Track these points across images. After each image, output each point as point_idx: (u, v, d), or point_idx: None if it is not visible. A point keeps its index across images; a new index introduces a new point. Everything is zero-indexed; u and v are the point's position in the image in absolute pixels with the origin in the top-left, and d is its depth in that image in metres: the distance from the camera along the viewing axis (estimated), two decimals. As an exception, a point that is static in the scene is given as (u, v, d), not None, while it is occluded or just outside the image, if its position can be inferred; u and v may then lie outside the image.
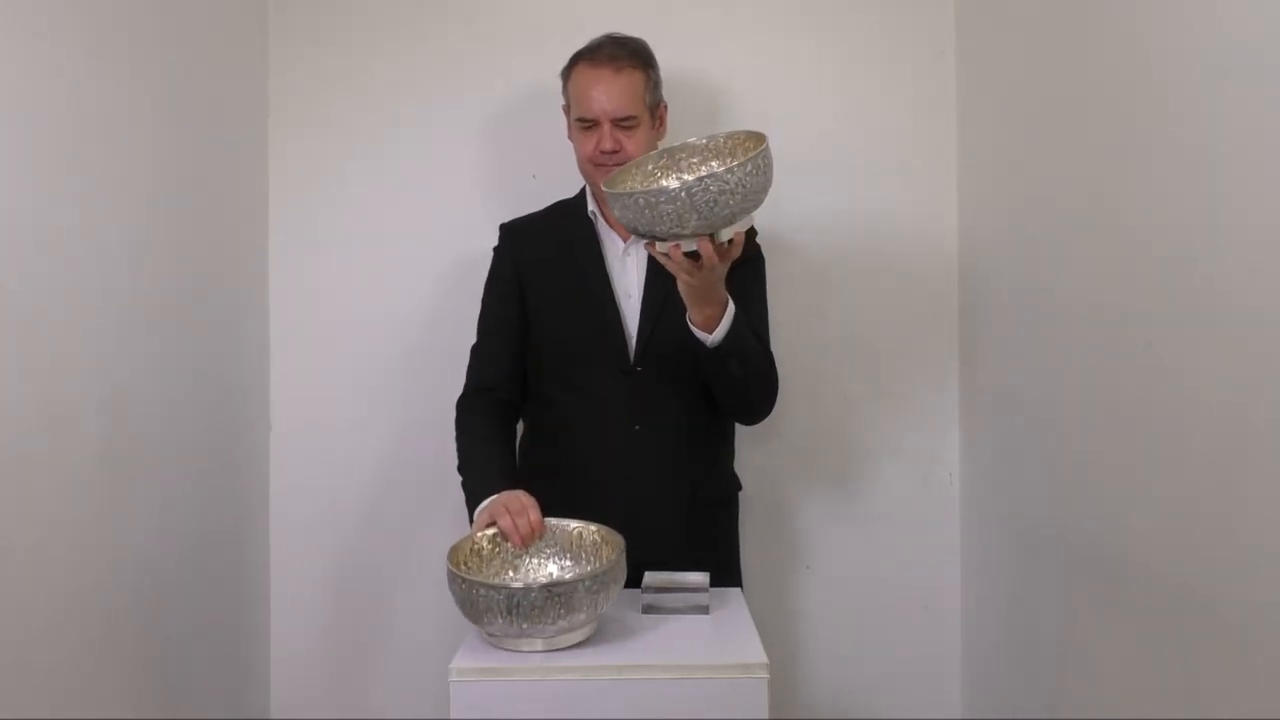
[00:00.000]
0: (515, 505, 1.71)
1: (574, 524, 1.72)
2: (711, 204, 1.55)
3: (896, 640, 2.41)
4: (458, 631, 1.64)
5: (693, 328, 1.76)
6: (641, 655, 1.53)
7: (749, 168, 1.56)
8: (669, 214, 1.56)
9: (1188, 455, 1.46)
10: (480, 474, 1.85)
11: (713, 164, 1.54)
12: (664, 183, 1.55)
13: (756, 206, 1.62)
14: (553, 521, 1.72)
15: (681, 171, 1.79)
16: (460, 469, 1.90)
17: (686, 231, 1.58)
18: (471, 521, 1.78)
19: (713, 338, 1.75)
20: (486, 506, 1.75)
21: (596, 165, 1.91)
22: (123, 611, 1.80)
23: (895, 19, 2.39)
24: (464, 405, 1.98)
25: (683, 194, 1.54)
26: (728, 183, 1.55)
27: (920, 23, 2.39)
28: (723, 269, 1.66)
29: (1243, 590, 1.35)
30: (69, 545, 1.64)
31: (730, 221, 1.59)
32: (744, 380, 1.84)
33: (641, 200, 1.57)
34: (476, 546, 1.66)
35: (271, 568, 2.39)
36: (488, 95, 2.38)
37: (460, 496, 2.33)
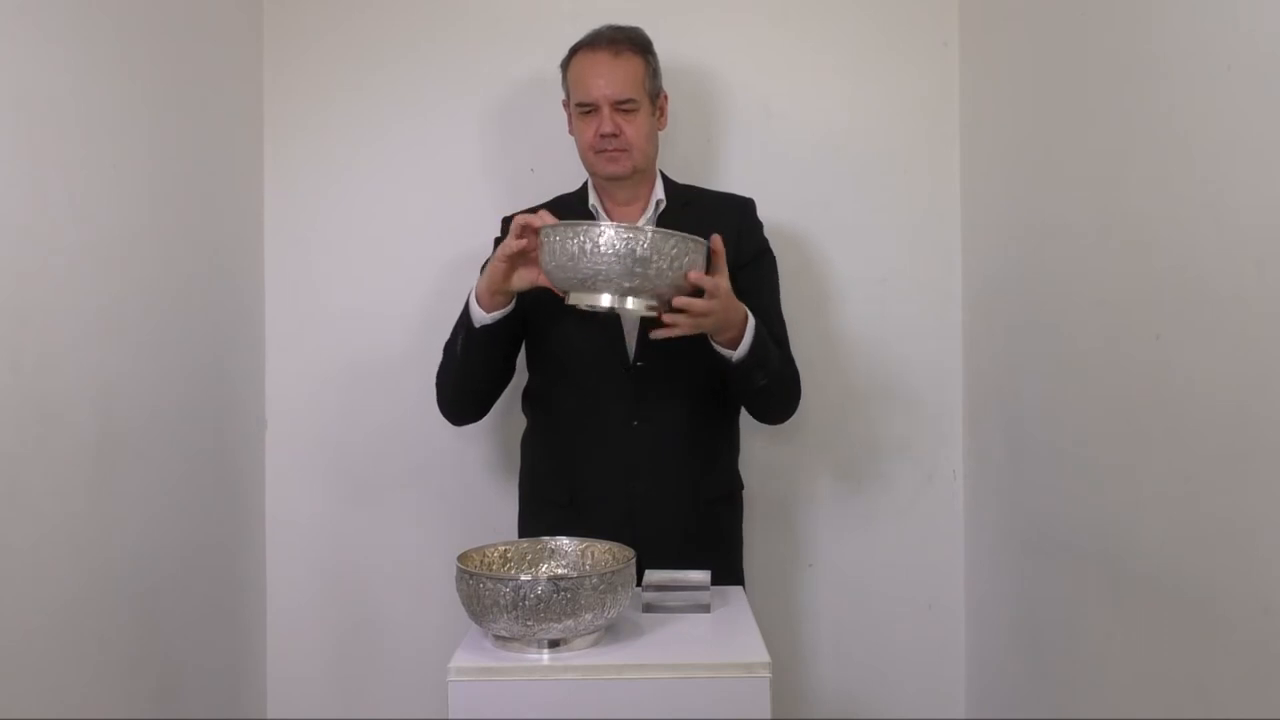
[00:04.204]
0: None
1: (582, 541, 1.69)
2: (632, 260, 1.55)
3: (900, 639, 2.39)
4: (457, 631, 1.62)
5: (715, 344, 1.75)
6: (642, 654, 1.51)
7: (686, 244, 1.58)
8: (594, 252, 1.56)
9: (1194, 452, 1.45)
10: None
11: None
12: (601, 223, 1.58)
13: (672, 290, 1.60)
14: (563, 541, 1.70)
15: None
16: (446, 349, 1.89)
17: (600, 279, 1.58)
18: (467, 325, 1.80)
19: (737, 353, 1.74)
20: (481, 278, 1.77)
21: (598, 152, 1.90)
22: (117, 610, 1.78)
23: (898, 10, 2.37)
24: None
25: (621, 236, 1.55)
26: (657, 247, 1.56)
27: (923, 14, 2.37)
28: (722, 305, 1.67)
29: (1249, 588, 1.33)
30: (62, 543, 1.63)
31: (639, 290, 1.59)
32: (769, 389, 1.84)
33: (561, 235, 1.58)
34: (487, 559, 1.64)
35: (267, 565, 2.38)
36: (485, 89, 2.36)
37: (459, 497, 2.35)
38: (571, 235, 1.58)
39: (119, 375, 1.79)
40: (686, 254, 1.59)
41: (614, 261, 1.56)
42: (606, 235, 1.56)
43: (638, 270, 1.56)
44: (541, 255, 1.65)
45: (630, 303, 1.61)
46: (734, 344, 1.74)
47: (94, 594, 1.71)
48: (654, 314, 1.65)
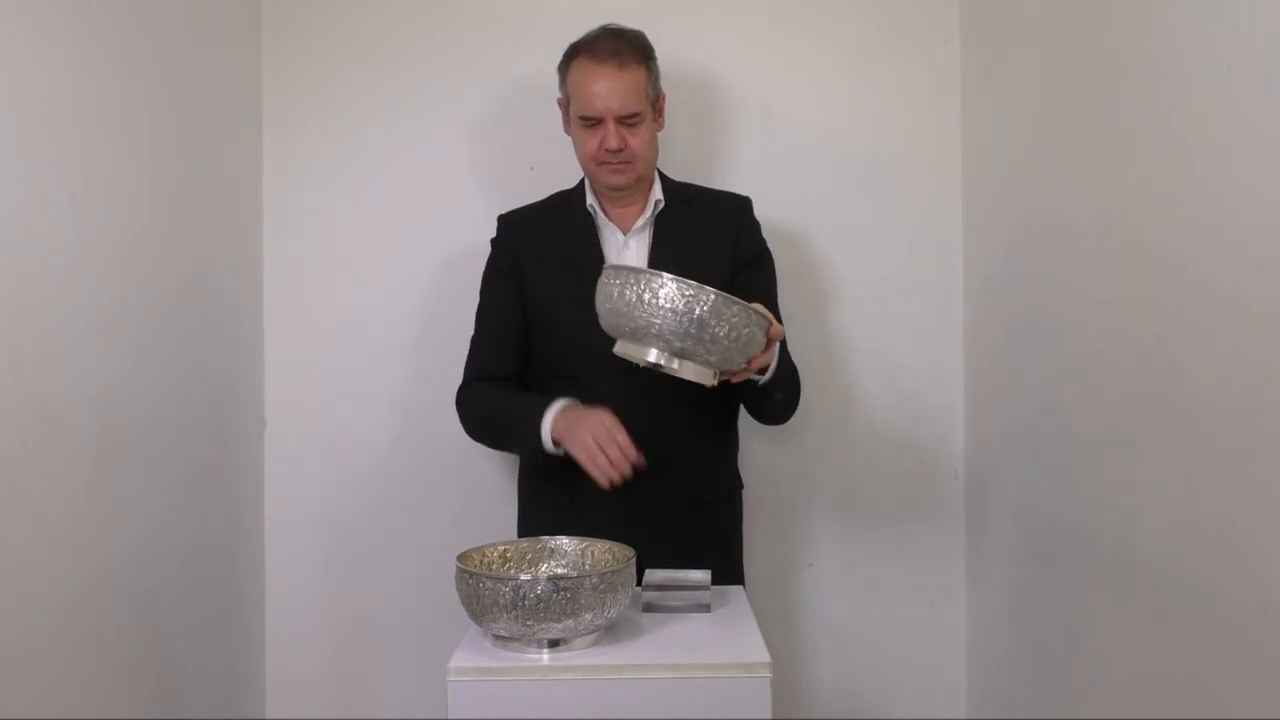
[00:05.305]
0: (602, 433, 1.69)
1: (582, 541, 1.69)
2: (700, 322, 1.50)
3: (901, 639, 2.39)
4: (457, 631, 1.62)
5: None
6: (642, 654, 1.50)
7: (750, 317, 1.54)
8: (654, 304, 1.51)
9: (1194, 452, 1.44)
10: (528, 400, 1.82)
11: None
12: (664, 276, 1.52)
13: (725, 363, 1.58)
14: (563, 541, 1.70)
15: None
16: (494, 419, 1.89)
17: (652, 333, 1.53)
18: (528, 440, 1.78)
19: (765, 378, 1.75)
20: (562, 420, 1.74)
21: (600, 164, 1.88)
22: (117, 610, 1.78)
23: (898, 9, 2.37)
24: (468, 389, 1.95)
25: (683, 292, 1.50)
26: (727, 315, 1.51)
27: (924, 13, 2.37)
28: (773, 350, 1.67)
29: (1249, 588, 1.33)
30: (62, 543, 1.63)
31: (697, 354, 1.54)
32: (784, 401, 1.87)
33: (630, 278, 1.53)
34: (486, 559, 1.64)
35: (267, 566, 2.38)
36: (485, 89, 2.36)
37: (459, 496, 2.34)
38: (632, 281, 1.53)
39: (119, 375, 1.79)
40: (747, 325, 1.54)
41: (670, 317, 1.51)
42: (667, 289, 1.51)
43: (693, 332, 1.51)
44: (597, 296, 1.62)
45: (675, 363, 1.56)
46: (760, 369, 1.73)
47: (94, 594, 1.71)
48: (708, 383, 1.61)
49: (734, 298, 1.53)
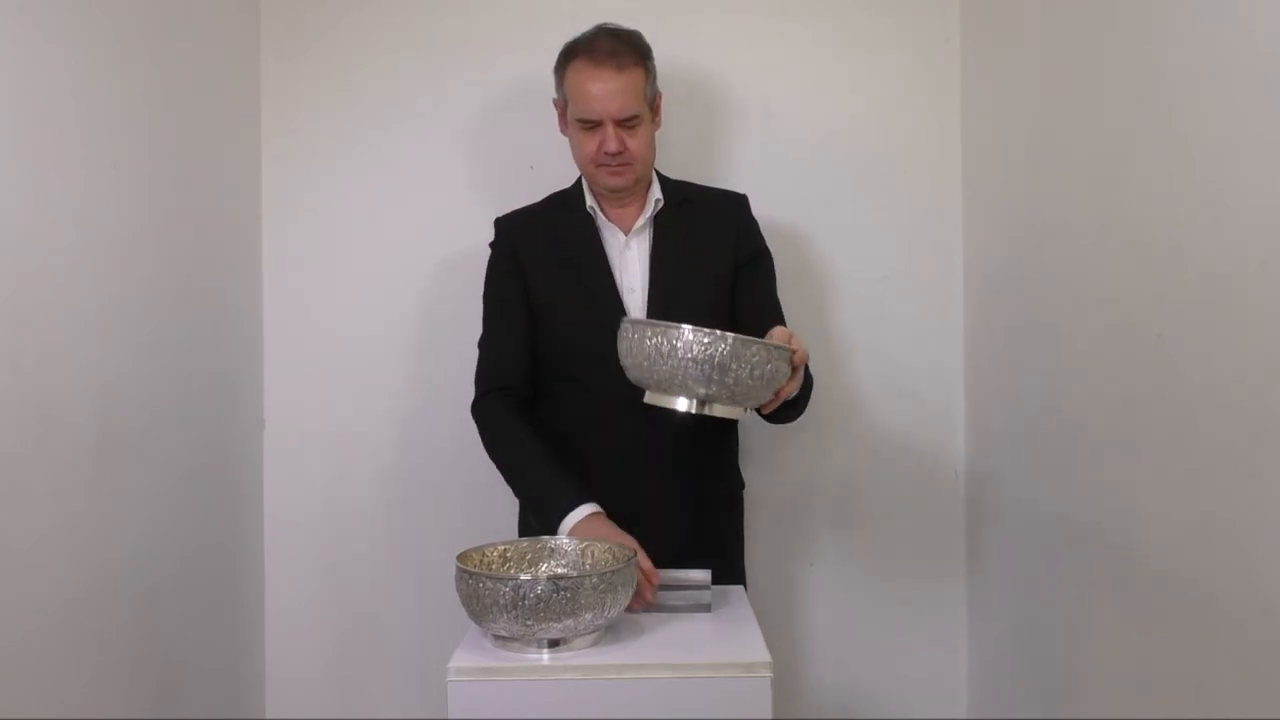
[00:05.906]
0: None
1: (582, 541, 1.69)
2: (711, 367, 1.49)
3: (901, 638, 2.39)
4: (457, 631, 1.62)
5: None
6: (642, 654, 1.50)
7: (771, 353, 1.52)
8: (674, 355, 1.50)
9: (1198, 450, 1.44)
10: (556, 485, 1.79)
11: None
12: (682, 326, 1.51)
13: (754, 400, 1.57)
14: (563, 540, 1.70)
15: None
16: (519, 485, 1.86)
17: (677, 383, 1.52)
18: (541, 523, 1.77)
19: (791, 395, 1.73)
20: (584, 533, 1.71)
21: (599, 165, 1.88)
22: (117, 610, 1.78)
23: (899, 8, 2.37)
24: (491, 409, 1.91)
25: (700, 340, 1.49)
26: (747, 357, 1.50)
27: (924, 11, 2.37)
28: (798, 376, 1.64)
29: (1249, 588, 1.33)
30: (62, 543, 1.63)
31: (723, 397, 1.53)
32: (801, 407, 1.84)
33: (639, 331, 1.53)
34: (486, 559, 1.64)
35: (266, 565, 2.38)
36: (484, 88, 2.36)
37: (459, 496, 2.34)
38: (650, 334, 1.52)
39: (119, 375, 1.79)
40: (769, 361, 1.53)
41: (691, 366, 1.50)
42: (685, 339, 1.49)
43: (716, 377, 1.51)
44: (619, 349, 1.62)
45: (714, 409, 1.56)
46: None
47: (94, 594, 1.71)
48: (741, 417, 1.62)
49: (752, 338, 1.53)
